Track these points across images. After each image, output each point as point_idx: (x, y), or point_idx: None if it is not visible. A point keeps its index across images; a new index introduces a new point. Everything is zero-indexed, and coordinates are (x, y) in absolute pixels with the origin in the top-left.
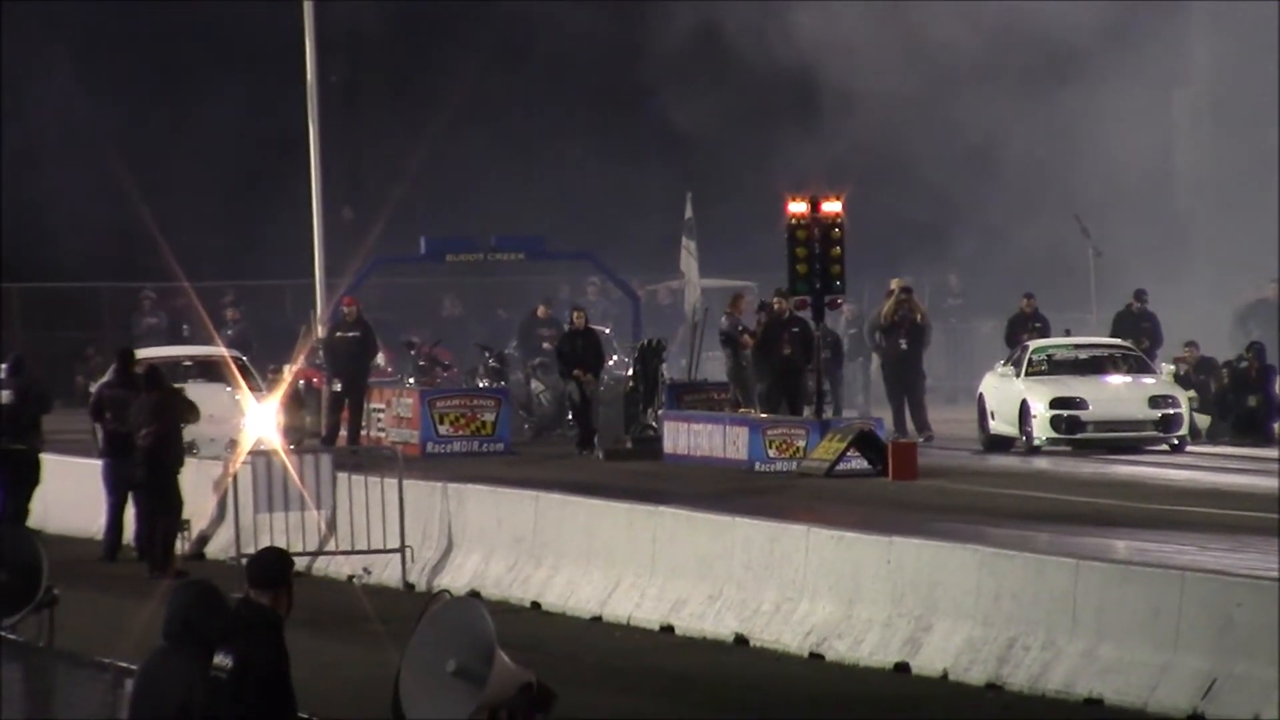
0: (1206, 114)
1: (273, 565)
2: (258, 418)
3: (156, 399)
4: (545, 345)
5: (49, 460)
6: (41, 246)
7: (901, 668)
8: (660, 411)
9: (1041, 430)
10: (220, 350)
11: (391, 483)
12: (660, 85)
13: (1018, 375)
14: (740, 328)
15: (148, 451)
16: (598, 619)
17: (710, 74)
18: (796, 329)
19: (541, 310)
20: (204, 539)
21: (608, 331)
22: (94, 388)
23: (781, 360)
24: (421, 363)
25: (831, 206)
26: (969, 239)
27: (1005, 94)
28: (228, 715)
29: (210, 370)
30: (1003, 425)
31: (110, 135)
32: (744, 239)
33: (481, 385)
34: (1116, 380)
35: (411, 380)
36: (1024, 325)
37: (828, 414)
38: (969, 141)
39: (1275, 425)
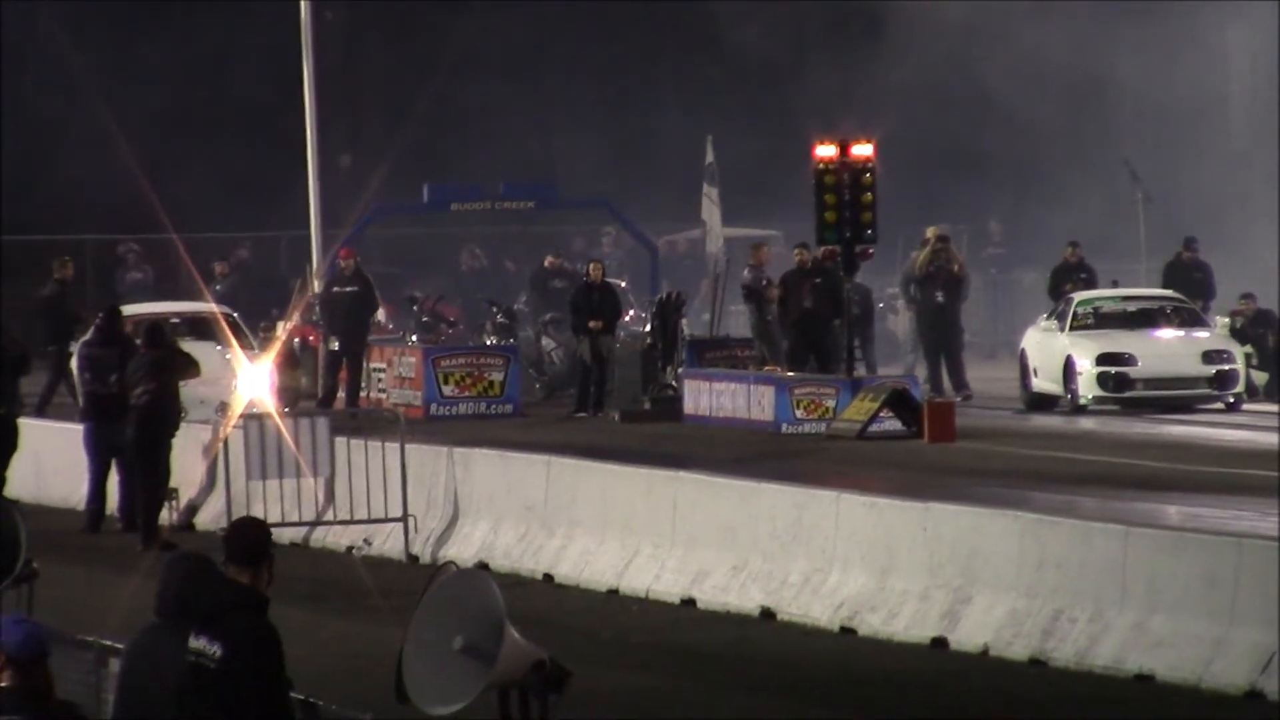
0: (1264, 49)
1: (254, 538)
2: (250, 379)
3: (155, 357)
4: (562, 290)
5: (27, 425)
6: (18, 197)
7: (939, 643)
8: (680, 370)
9: (1087, 388)
10: (210, 306)
11: (393, 447)
12: (681, 17)
13: (1062, 330)
14: (764, 280)
15: (142, 410)
16: (614, 592)
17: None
18: (819, 280)
19: (550, 260)
20: (193, 509)
21: (624, 285)
22: (75, 346)
23: (803, 314)
24: (425, 319)
25: (862, 150)
26: (1011, 184)
27: (1050, 28)
28: (219, 704)
29: (199, 328)
30: (1046, 383)
31: (93, 78)
32: (770, 183)
33: (489, 342)
34: (1167, 334)
35: (414, 338)
36: (1068, 276)
37: (859, 372)
38: (1012, 81)
39: None
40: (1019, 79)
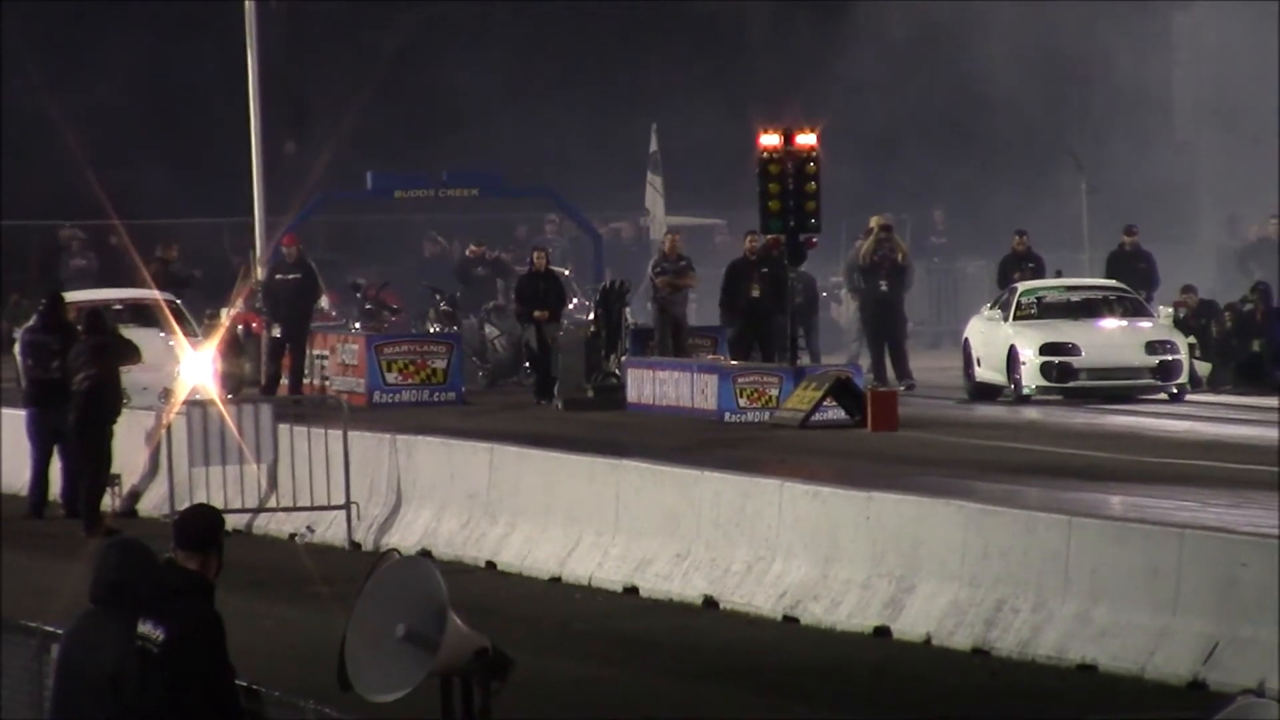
0: (1210, 39)
1: (203, 525)
2: (193, 365)
3: (96, 343)
4: (485, 278)
5: None
6: None
7: (881, 631)
8: (624, 358)
9: (1031, 378)
10: (153, 293)
11: (336, 434)
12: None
13: (1005, 319)
14: (658, 269)
15: (84, 397)
16: (557, 580)
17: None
18: (765, 270)
19: (472, 249)
20: (136, 495)
21: (568, 273)
22: (18, 333)
23: (749, 303)
24: (368, 306)
25: (806, 139)
26: (956, 174)
27: (1004, 19)
28: (162, 689)
29: (142, 314)
30: (989, 373)
31: (39, 66)
32: (723, 171)
33: (432, 330)
34: (1111, 324)
35: (357, 325)
36: (1016, 265)
37: (803, 361)
38: (959, 70)
39: None
40: (965, 69)
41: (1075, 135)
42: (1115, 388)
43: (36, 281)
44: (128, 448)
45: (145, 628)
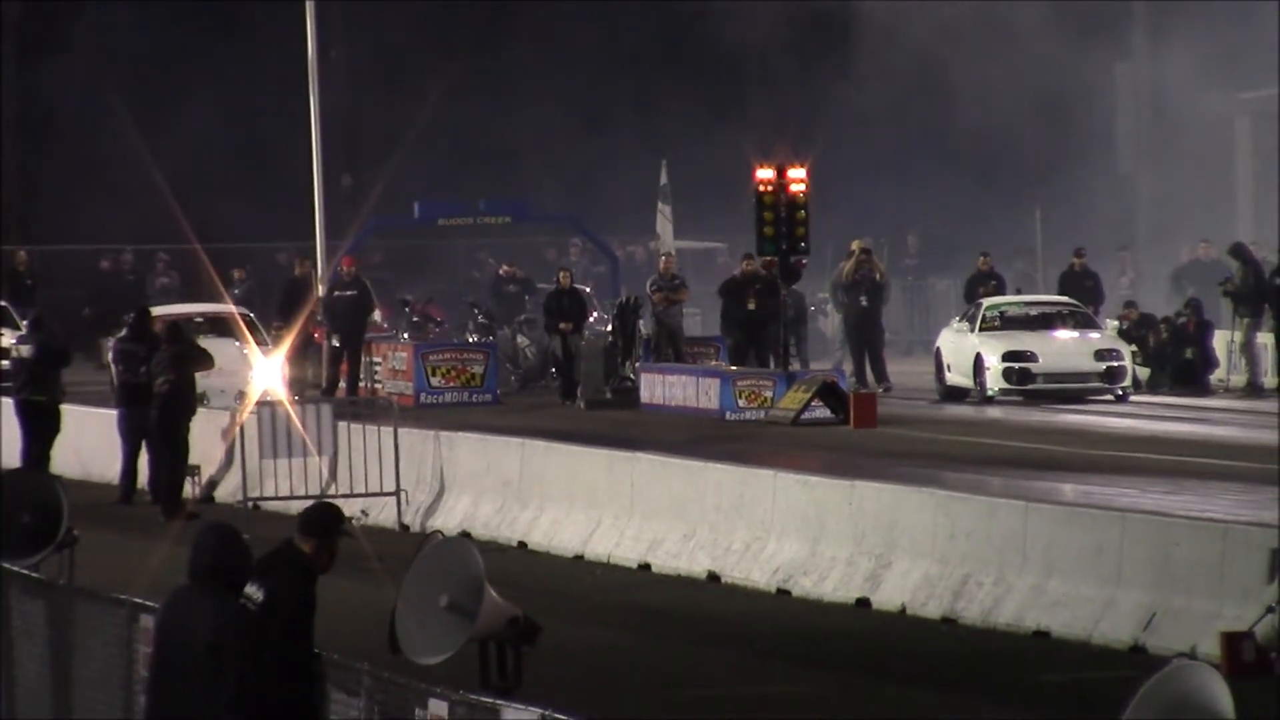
0: (1146, 86)
1: (316, 517)
2: (263, 370)
3: (176, 351)
4: (515, 294)
5: (68, 410)
6: (56, 211)
7: (863, 603)
8: (638, 364)
9: (994, 381)
10: (229, 307)
11: (388, 431)
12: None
13: (972, 330)
14: (654, 286)
15: (164, 398)
16: (580, 557)
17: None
18: (760, 287)
19: (505, 269)
20: (213, 484)
21: (589, 290)
22: (110, 343)
23: (747, 316)
24: (415, 319)
25: (796, 174)
26: (929, 201)
27: (958, 61)
28: (254, 645)
29: (220, 326)
30: (958, 377)
31: (130, 107)
32: (718, 202)
33: (471, 340)
34: (1064, 335)
35: (406, 335)
36: (982, 281)
37: (794, 366)
38: (933, 111)
39: (1210, 376)
40: (939, 111)
41: (1032, 168)
42: (1068, 390)
43: (115, 298)
44: (206, 443)
45: (250, 589)
